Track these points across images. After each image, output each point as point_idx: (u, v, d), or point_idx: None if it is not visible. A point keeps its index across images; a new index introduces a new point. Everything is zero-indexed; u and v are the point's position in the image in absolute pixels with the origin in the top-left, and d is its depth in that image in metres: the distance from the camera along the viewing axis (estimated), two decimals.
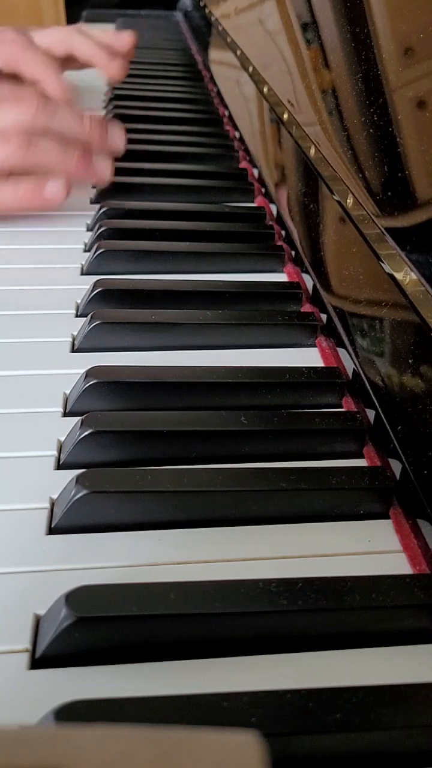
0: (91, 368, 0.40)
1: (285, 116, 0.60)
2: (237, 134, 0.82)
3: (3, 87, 0.58)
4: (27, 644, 0.27)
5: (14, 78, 0.85)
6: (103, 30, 0.92)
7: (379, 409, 0.37)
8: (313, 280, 0.49)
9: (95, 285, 0.49)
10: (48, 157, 0.55)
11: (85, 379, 0.39)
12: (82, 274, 0.54)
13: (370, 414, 0.39)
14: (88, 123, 0.59)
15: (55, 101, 0.58)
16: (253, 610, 0.27)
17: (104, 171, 0.59)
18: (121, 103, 0.91)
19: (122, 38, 0.89)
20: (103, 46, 0.86)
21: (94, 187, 0.69)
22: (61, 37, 0.85)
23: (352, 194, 0.43)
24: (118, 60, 0.85)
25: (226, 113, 0.89)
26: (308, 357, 0.45)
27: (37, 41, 0.83)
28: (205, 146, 0.78)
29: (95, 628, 0.26)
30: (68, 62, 0.86)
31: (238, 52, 0.82)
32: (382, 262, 0.39)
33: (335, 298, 0.46)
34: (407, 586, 0.28)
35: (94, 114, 0.61)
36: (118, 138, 0.62)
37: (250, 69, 0.75)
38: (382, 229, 0.39)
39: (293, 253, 0.56)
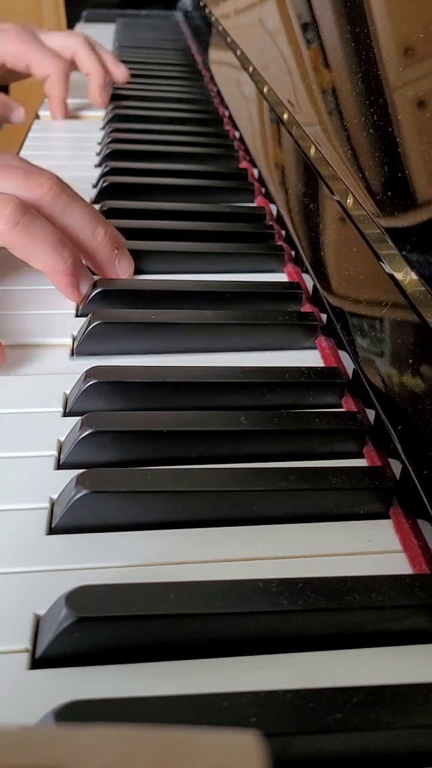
0: (91, 368, 0.40)
1: (285, 116, 0.60)
2: (237, 134, 0.82)
3: (16, 158, 0.50)
4: (27, 644, 0.27)
5: (20, 74, 0.87)
6: (107, 52, 0.95)
7: (379, 409, 0.37)
8: (313, 280, 0.49)
9: (95, 285, 0.49)
10: (35, 247, 0.45)
11: (84, 379, 0.39)
12: None
13: (370, 414, 0.39)
14: (102, 234, 0.49)
15: (73, 194, 0.49)
16: (253, 610, 0.27)
17: (83, 290, 0.49)
18: (121, 103, 0.91)
19: (122, 71, 0.95)
20: (102, 69, 0.90)
21: (96, 182, 0.69)
22: (68, 44, 0.89)
23: (352, 194, 0.43)
24: (105, 92, 0.90)
25: (226, 113, 0.89)
26: (308, 357, 0.45)
27: (45, 41, 0.87)
28: (205, 146, 0.78)
29: (95, 628, 0.26)
30: (70, 67, 0.88)
31: (238, 52, 0.82)
32: (382, 262, 0.39)
33: (335, 298, 0.46)
34: (407, 586, 0.29)
35: (114, 229, 0.51)
36: (123, 268, 0.51)
37: (250, 69, 0.75)
38: (382, 229, 0.39)
39: (293, 253, 0.56)
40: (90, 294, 0.48)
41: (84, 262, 0.50)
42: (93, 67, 0.90)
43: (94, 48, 0.92)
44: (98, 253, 0.50)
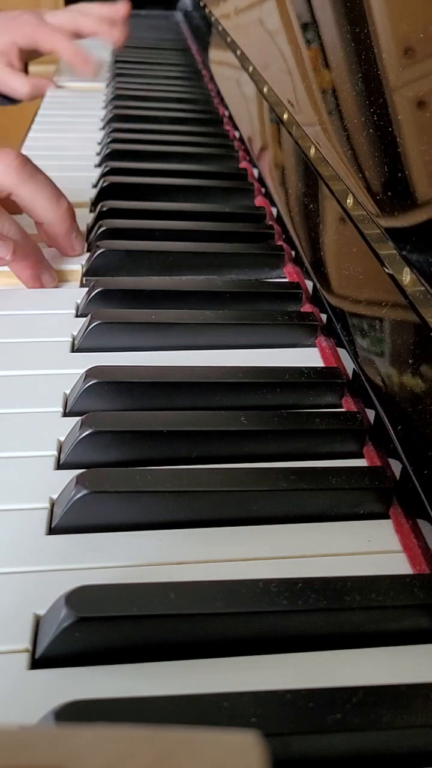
0: (91, 368, 0.40)
1: (285, 116, 0.60)
2: (237, 134, 0.82)
3: None
4: (27, 644, 0.27)
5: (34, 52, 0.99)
6: (100, 5, 1.07)
7: (379, 409, 0.37)
8: (313, 280, 0.49)
9: (95, 285, 0.49)
10: (41, 195, 0.50)
11: (85, 379, 0.39)
12: (83, 275, 0.54)
13: (370, 414, 0.39)
14: (64, 207, 0.52)
15: (37, 169, 0.51)
16: (253, 610, 0.27)
17: (49, 281, 0.51)
18: (121, 103, 0.91)
19: (118, 8, 1.06)
20: (104, 19, 1.04)
21: (95, 186, 0.69)
22: (68, 17, 1.03)
23: (352, 194, 0.43)
24: (117, 27, 1.04)
25: (226, 113, 0.89)
26: (308, 357, 0.45)
27: (49, 20, 0.99)
28: (205, 146, 0.78)
29: (95, 628, 0.26)
30: (76, 36, 1.02)
31: (238, 52, 0.82)
32: (382, 262, 0.39)
33: (335, 298, 0.46)
34: (407, 586, 0.28)
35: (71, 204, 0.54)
36: (78, 243, 0.55)
37: (250, 69, 0.75)
38: (382, 229, 0.39)
39: (293, 253, 0.56)
40: (90, 294, 0.48)
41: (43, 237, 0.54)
42: (95, 23, 1.03)
43: (91, 12, 1.05)
44: (59, 225, 0.53)
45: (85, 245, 0.56)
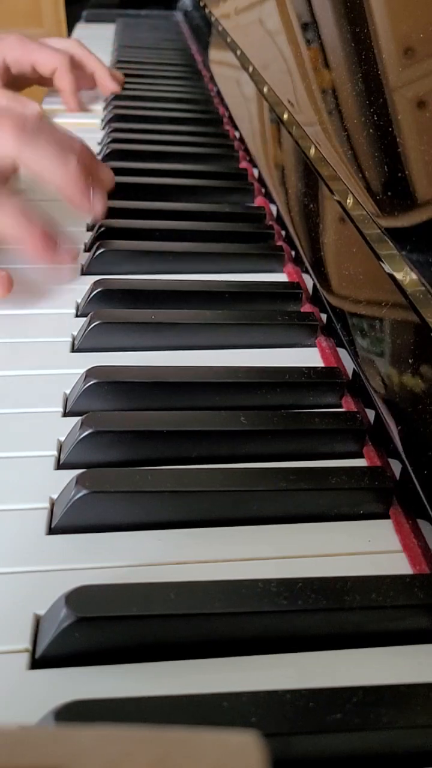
0: (91, 368, 0.40)
1: (285, 116, 0.60)
2: (237, 134, 0.82)
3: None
4: (27, 644, 0.27)
5: (27, 79, 0.89)
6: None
7: (379, 409, 0.37)
8: (313, 280, 0.49)
9: (95, 285, 0.49)
10: (45, 157, 0.47)
11: (85, 379, 0.39)
12: (82, 273, 0.54)
13: (370, 414, 0.39)
14: (74, 169, 0.50)
15: (40, 127, 0.49)
16: (253, 610, 0.27)
17: (98, 206, 0.51)
18: (121, 103, 0.91)
19: (116, 75, 0.97)
20: (101, 63, 0.94)
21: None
22: (66, 46, 0.92)
23: (352, 194, 0.43)
24: (115, 78, 0.94)
25: (226, 113, 0.89)
26: (308, 357, 0.45)
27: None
28: (205, 146, 0.78)
29: (95, 628, 0.26)
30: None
31: (238, 52, 0.82)
32: (382, 262, 0.39)
33: (335, 298, 0.46)
34: (407, 586, 0.29)
35: (88, 156, 0.53)
36: (97, 201, 0.53)
37: (250, 69, 0.75)
38: (382, 229, 0.39)
39: (293, 253, 0.56)
40: (90, 294, 0.48)
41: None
42: (94, 61, 0.93)
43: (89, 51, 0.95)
44: (71, 188, 0.50)
45: (105, 203, 0.54)
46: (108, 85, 0.94)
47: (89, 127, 0.91)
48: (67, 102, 0.91)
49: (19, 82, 0.90)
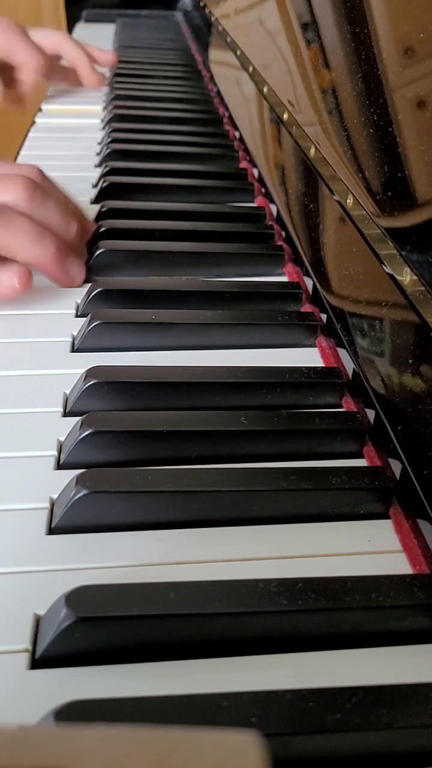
0: (91, 368, 0.40)
1: (285, 116, 0.60)
2: (237, 134, 0.82)
3: None
4: (27, 644, 0.27)
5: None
6: (91, 46, 1.00)
7: (379, 409, 0.37)
8: (313, 280, 0.49)
9: (95, 285, 0.49)
10: (18, 240, 0.47)
11: (85, 379, 0.39)
12: None
13: (370, 414, 0.39)
14: (75, 227, 0.52)
15: (47, 191, 0.51)
16: (253, 610, 0.27)
17: (77, 276, 0.51)
18: (121, 103, 0.91)
19: (107, 55, 1.01)
20: (88, 55, 0.96)
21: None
22: (52, 38, 0.94)
23: (352, 194, 0.43)
24: (96, 73, 0.97)
25: (226, 113, 0.89)
26: (308, 357, 0.45)
27: (31, 36, 0.90)
28: (205, 146, 0.78)
29: (95, 628, 0.26)
30: (54, 64, 0.95)
31: (238, 52, 0.82)
32: (382, 262, 0.39)
33: (335, 298, 0.46)
34: (407, 586, 0.28)
35: (85, 219, 0.55)
36: (76, 270, 0.52)
37: (250, 69, 0.75)
38: (382, 229, 0.39)
39: (293, 253, 0.56)
40: (90, 294, 0.48)
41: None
42: (77, 54, 0.95)
43: (77, 42, 0.97)
44: (74, 241, 0.52)
45: (83, 277, 0.53)
46: (87, 78, 0.96)
47: (91, 113, 0.93)
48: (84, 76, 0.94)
49: (7, 70, 0.90)
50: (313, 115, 0.52)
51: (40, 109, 0.92)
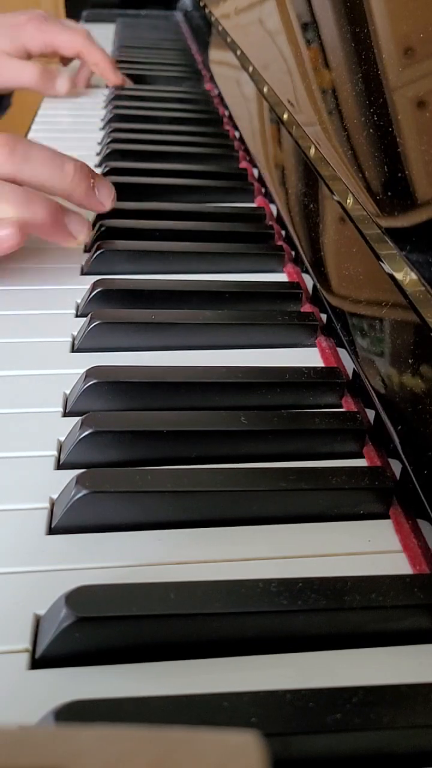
0: (91, 368, 0.40)
1: (285, 116, 0.60)
2: (237, 134, 0.82)
3: None
4: (27, 644, 0.27)
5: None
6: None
7: (379, 409, 0.37)
8: (313, 280, 0.49)
9: (95, 285, 0.49)
10: (7, 210, 0.45)
11: (85, 379, 0.39)
12: (82, 273, 0.54)
13: (370, 414, 0.39)
14: (71, 171, 0.49)
15: (29, 144, 0.48)
16: (253, 610, 0.27)
17: (79, 232, 0.49)
18: (121, 103, 0.91)
19: (118, 74, 1.01)
20: (107, 56, 0.99)
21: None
22: (74, 39, 0.96)
23: (352, 194, 0.43)
24: (117, 71, 0.99)
25: (226, 113, 0.89)
26: (308, 357, 0.45)
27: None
28: (205, 146, 0.78)
29: (95, 628, 0.26)
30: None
31: (238, 52, 0.82)
32: (382, 262, 0.39)
33: (335, 298, 0.46)
34: (407, 586, 0.28)
35: (82, 162, 0.51)
36: (105, 196, 0.52)
37: (250, 69, 0.75)
38: (382, 229, 0.39)
39: (293, 253, 0.56)
40: (90, 294, 0.48)
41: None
42: (100, 57, 0.97)
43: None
44: (74, 190, 0.49)
45: (114, 195, 0.52)
46: (111, 77, 0.97)
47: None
48: (104, 73, 0.97)
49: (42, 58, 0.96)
50: (313, 115, 0.52)
51: (46, 97, 0.92)
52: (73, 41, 0.92)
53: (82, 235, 0.49)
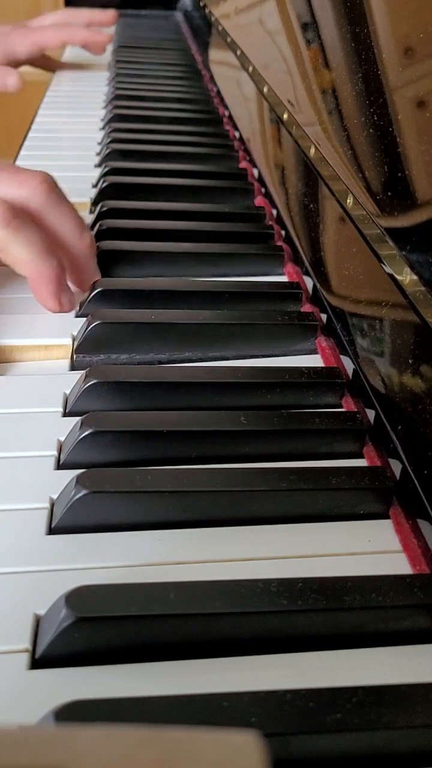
0: (90, 368, 0.40)
1: (285, 116, 0.60)
2: (237, 134, 0.82)
3: (3, 162, 0.49)
4: (27, 644, 0.27)
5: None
6: (89, 11, 1.12)
7: (379, 409, 0.37)
8: (313, 280, 0.49)
9: (95, 285, 0.49)
10: (24, 250, 0.45)
11: (84, 379, 0.39)
12: None
13: (370, 414, 0.39)
14: (89, 239, 0.49)
15: (62, 195, 0.48)
16: (253, 610, 0.27)
17: (67, 305, 0.47)
18: (121, 103, 0.91)
19: (107, 14, 1.11)
20: (91, 24, 1.08)
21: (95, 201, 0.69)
22: (56, 18, 1.08)
23: (352, 194, 0.43)
24: (102, 35, 1.07)
25: (226, 113, 0.89)
26: (308, 357, 0.45)
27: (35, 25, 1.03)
28: (205, 146, 0.78)
29: (95, 628, 0.26)
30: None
31: (238, 52, 0.82)
32: (382, 262, 0.39)
33: (335, 298, 0.46)
34: (407, 586, 0.28)
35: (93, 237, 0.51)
36: (96, 274, 0.51)
37: (250, 69, 0.75)
38: (382, 229, 0.39)
39: (293, 253, 0.56)
40: (90, 294, 0.48)
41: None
42: (79, 33, 1.05)
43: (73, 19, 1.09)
44: (80, 255, 0.49)
45: (73, 305, 0.49)
46: (99, 42, 1.07)
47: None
48: (92, 47, 1.08)
49: (38, 64, 1.05)
50: (313, 115, 0.52)
51: (36, 114, 0.92)
52: (56, 33, 1.00)
53: (68, 307, 0.48)
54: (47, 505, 0.33)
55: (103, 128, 0.85)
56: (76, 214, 0.49)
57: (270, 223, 0.62)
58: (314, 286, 0.49)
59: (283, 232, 0.60)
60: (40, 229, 0.46)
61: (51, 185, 0.47)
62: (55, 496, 0.34)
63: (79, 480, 0.32)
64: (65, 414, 0.39)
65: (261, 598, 0.27)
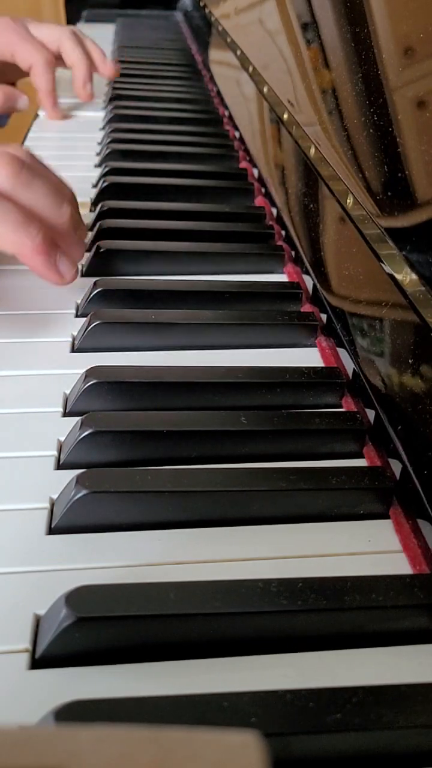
0: (91, 368, 0.40)
1: (285, 116, 0.60)
2: (237, 134, 0.82)
3: None
4: (27, 644, 0.27)
5: (16, 68, 0.87)
6: (97, 47, 0.94)
7: (379, 409, 0.37)
8: (313, 280, 0.49)
9: (95, 285, 0.49)
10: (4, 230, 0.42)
11: (85, 379, 0.39)
12: (82, 275, 0.54)
13: (370, 414, 0.39)
14: (68, 210, 0.46)
15: (35, 170, 0.46)
16: (253, 610, 0.27)
17: (66, 273, 0.46)
18: (121, 103, 0.91)
19: (109, 67, 0.93)
20: (87, 62, 0.90)
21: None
22: (54, 35, 0.88)
23: (352, 194, 0.43)
24: (89, 86, 0.91)
25: (226, 113, 0.89)
26: (308, 357, 0.45)
27: (33, 32, 0.86)
28: (205, 146, 0.78)
29: (95, 628, 0.26)
30: (58, 61, 0.89)
31: (238, 52, 0.82)
32: (382, 262, 0.39)
33: (335, 298, 0.46)
34: (407, 586, 0.28)
35: (77, 202, 0.49)
36: (66, 267, 0.47)
37: (250, 69, 0.75)
38: (382, 229, 0.39)
39: (293, 253, 0.56)
40: (90, 294, 0.48)
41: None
42: (77, 60, 0.89)
43: (82, 41, 0.91)
44: (62, 230, 0.46)
45: (74, 272, 0.48)
46: (78, 89, 0.91)
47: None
48: (42, 103, 0.87)
49: (10, 69, 0.87)
50: (313, 115, 0.52)
51: (37, 115, 0.92)
52: (29, 55, 0.84)
53: (69, 275, 0.46)
54: (47, 505, 0.33)
55: (103, 128, 0.85)
56: (50, 187, 0.46)
57: (270, 222, 0.62)
58: (314, 286, 0.49)
59: (283, 232, 0.60)
60: (16, 206, 0.44)
61: (18, 165, 0.45)
62: (55, 496, 0.34)
63: (79, 480, 0.32)
64: (65, 414, 0.39)
65: (261, 598, 0.27)
